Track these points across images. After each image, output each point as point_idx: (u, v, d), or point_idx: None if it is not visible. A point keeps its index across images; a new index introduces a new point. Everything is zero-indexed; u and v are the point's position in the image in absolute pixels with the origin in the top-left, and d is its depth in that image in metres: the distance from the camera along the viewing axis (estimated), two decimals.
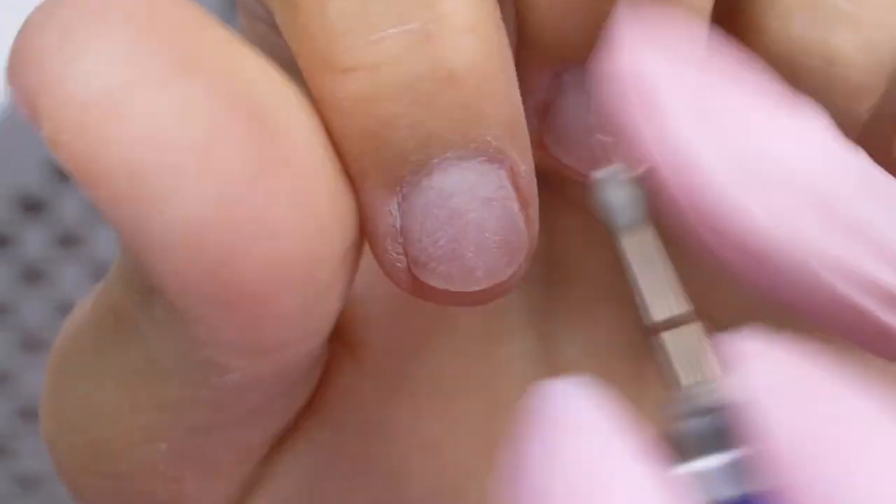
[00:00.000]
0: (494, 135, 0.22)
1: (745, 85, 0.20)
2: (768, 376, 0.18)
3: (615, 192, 0.21)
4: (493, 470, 0.24)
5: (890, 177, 0.20)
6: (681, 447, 0.19)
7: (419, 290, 0.22)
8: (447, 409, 0.28)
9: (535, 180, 0.23)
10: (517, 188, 0.22)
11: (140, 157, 0.19)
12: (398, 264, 0.22)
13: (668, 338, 0.19)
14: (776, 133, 0.20)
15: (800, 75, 0.23)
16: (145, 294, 0.23)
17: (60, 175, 0.59)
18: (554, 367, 0.29)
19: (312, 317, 0.22)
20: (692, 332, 0.19)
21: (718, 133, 0.20)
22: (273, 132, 0.20)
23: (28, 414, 0.62)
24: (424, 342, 0.28)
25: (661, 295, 0.19)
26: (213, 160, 0.20)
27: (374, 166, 0.22)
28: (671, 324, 0.19)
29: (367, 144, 0.21)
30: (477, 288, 0.22)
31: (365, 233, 0.22)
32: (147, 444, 0.24)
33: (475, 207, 0.22)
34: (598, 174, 0.21)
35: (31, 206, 0.60)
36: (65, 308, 0.61)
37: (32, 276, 0.61)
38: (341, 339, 0.28)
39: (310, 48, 0.21)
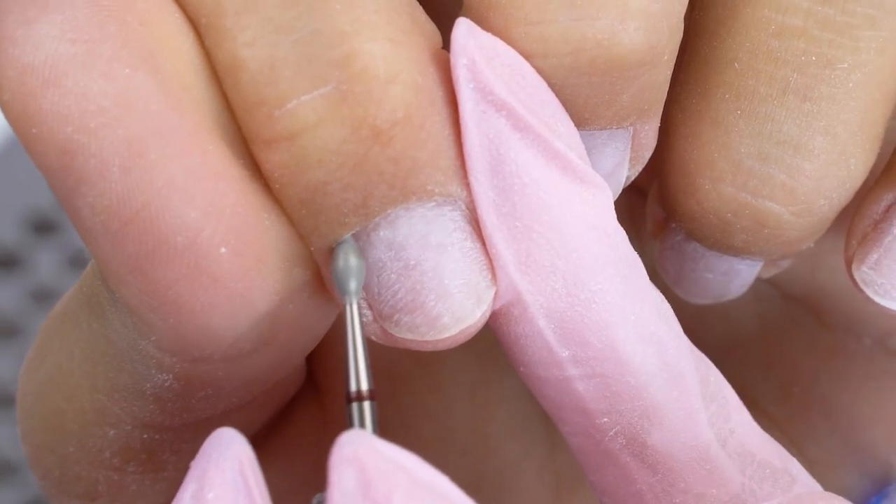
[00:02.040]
0: (436, 181, 0.21)
1: (541, 142, 0.22)
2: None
3: (351, 262, 0.21)
4: None
5: (641, 265, 0.23)
6: None
7: (391, 340, 0.22)
8: (426, 453, 0.30)
9: None
10: (476, 226, 0.22)
11: (70, 137, 0.20)
12: (364, 318, 0.22)
13: (354, 408, 0.21)
14: (560, 198, 0.22)
15: (732, 231, 0.24)
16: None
17: None
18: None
19: (245, 343, 0.23)
20: (369, 408, 0.21)
21: (505, 181, 0.22)
22: (214, 145, 0.22)
23: None
24: (401, 389, 0.30)
25: (359, 368, 0.22)
26: (145, 159, 0.20)
27: (313, 231, 0.21)
28: (358, 397, 0.22)
29: (303, 211, 0.21)
30: (447, 335, 0.22)
31: (329, 289, 0.23)
32: (96, 428, 0.26)
33: (429, 256, 0.21)
34: (337, 244, 0.21)
35: (42, 228, 0.61)
36: None
37: (42, 297, 0.60)
38: (310, 381, 0.30)
39: (239, 121, 0.21)
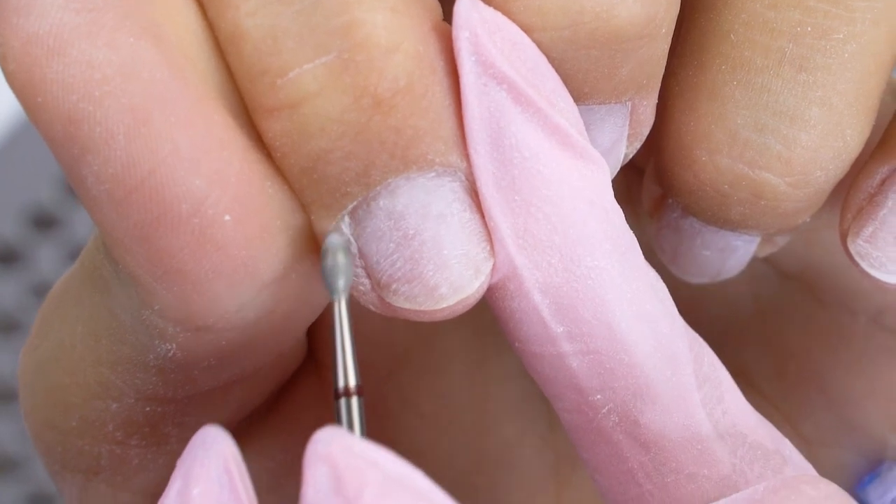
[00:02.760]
0: (437, 151, 0.21)
1: (541, 116, 0.22)
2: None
3: (339, 260, 0.21)
4: (478, 493, 0.30)
5: (636, 243, 0.23)
6: None
7: (389, 309, 0.22)
8: (426, 430, 0.30)
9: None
10: (476, 197, 0.22)
11: (76, 105, 0.20)
12: (361, 287, 0.22)
13: (342, 404, 0.21)
14: (559, 172, 0.23)
15: (728, 203, 0.24)
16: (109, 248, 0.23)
17: (73, 191, 0.61)
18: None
19: (248, 312, 0.23)
20: (356, 403, 0.21)
21: (504, 154, 0.22)
22: (218, 114, 0.22)
23: None
24: (400, 367, 0.30)
25: (346, 365, 0.22)
26: (150, 127, 0.20)
27: (315, 201, 0.21)
28: (346, 393, 0.22)
29: (304, 180, 0.21)
30: (444, 305, 0.22)
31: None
32: (99, 401, 0.26)
33: (429, 226, 0.21)
34: (326, 241, 0.21)
35: (43, 223, 0.61)
36: None
37: (43, 292, 0.60)
38: (311, 356, 0.30)
39: (241, 90, 0.21)
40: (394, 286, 0.22)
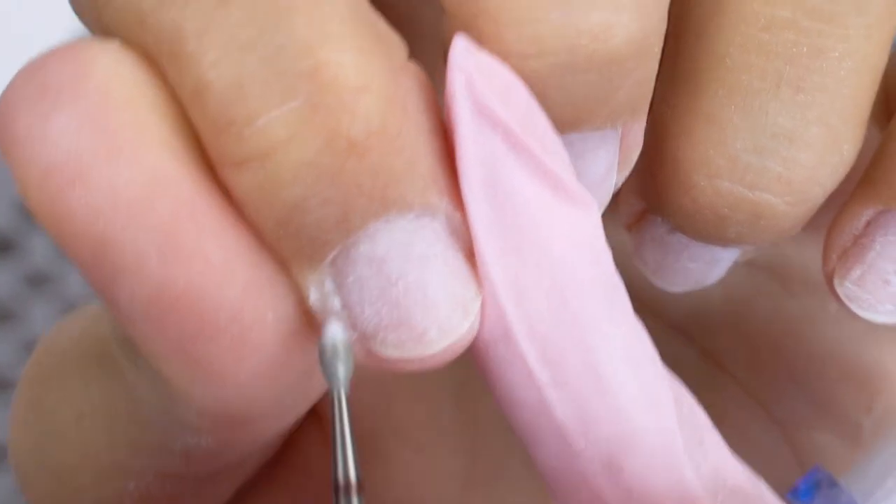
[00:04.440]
0: (415, 191, 0.21)
1: (534, 161, 0.22)
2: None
3: (337, 348, 0.21)
4: None
5: (623, 287, 0.23)
6: None
7: (377, 361, 0.21)
8: (419, 460, 0.30)
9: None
10: (458, 237, 0.21)
11: (104, 231, 0.20)
12: (347, 338, 0.21)
13: (342, 500, 0.21)
14: (551, 218, 0.22)
15: (726, 224, 0.24)
16: (129, 343, 0.23)
17: None
18: None
19: (288, 400, 0.23)
20: (356, 502, 0.21)
21: (497, 200, 0.22)
22: (241, 218, 0.22)
23: None
24: (392, 398, 0.30)
25: (347, 458, 0.21)
26: (181, 244, 0.20)
27: (294, 254, 0.21)
28: (346, 489, 0.21)
29: (281, 232, 0.21)
30: (435, 349, 0.21)
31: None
32: (116, 482, 0.25)
33: (412, 268, 0.21)
34: (326, 337, 0.21)
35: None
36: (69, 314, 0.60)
37: (36, 281, 0.60)
38: (313, 410, 0.29)
39: (207, 147, 0.21)
40: (380, 335, 0.21)
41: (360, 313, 0.21)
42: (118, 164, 0.20)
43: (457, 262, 0.21)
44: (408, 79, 0.21)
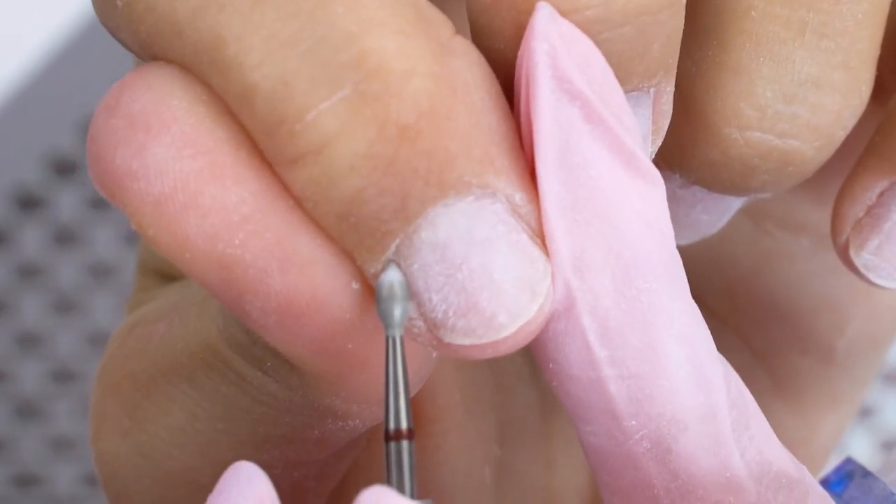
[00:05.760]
0: (472, 172, 0.21)
1: (610, 135, 0.22)
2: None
3: (395, 293, 0.21)
4: (503, 494, 0.30)
5: (682, 265, 0.23)
6: None
7: (448, 350, 0.21)
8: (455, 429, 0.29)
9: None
10: (520, 217, 0.21)
11: (224, 253, 0.20)
12: (416, 329, 0.21)
13: (392, 447, 0.21)
14: (623, 193, 0.22)
15: (754, 174, 0.24)
16: (248, 348, 0.23)
17: (58, 171, 0.60)
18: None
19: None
20: (406, 448, 0.21)
21: (570, 173, 0.22)
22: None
23: (26, 413, 0.59)
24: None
25: (399, 406, 0.22)
26: (299, 255, 0.20)
27: (357, 246, 0.21)
28: (397, 435, 0.22)
29: (343, 225, 0.21)
30: (506, 334, 0.21)
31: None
32: None
33: (475, 252, 0.21)
34: (383, 279, 0.21)
35: (29, 203, 0.60)
36: (62, 306, 0.60)
37: (28, 273, 0.60)
38: None
39: (259, 142, 0.21)
40: (450, 323, 0.21)
41: (428, 301, 0.21)
42: (224, 184, 0.20)
43: (521, 242, 0.21)
44: (455, 57, 0.21)
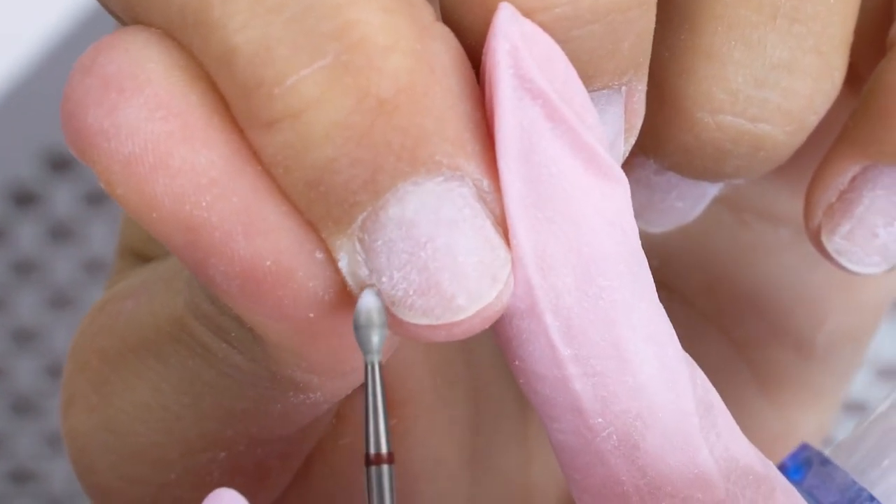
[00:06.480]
0: (444, 152, 0.21)
1: (572, 133, 0.22)
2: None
3: (372, 317, 0.21)
4: (477, 481, 0.30)
5: (646, 263, 0.23)
6: None
7: (404, 329, 0.21)
8: (426, 414, 0.30)
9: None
10: (485, 203, 0.21)
11: (191, 214, 0.20)
12: (375, 305, 0.21)
13: (372, 472, 0.21)
14: (584, 191, 0.22)
15: (726, 159, 0.25)
16: (214, 318, 0.23)
17: (54, 166, 0.60)
18: None
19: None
20: (386, 472, 0.21)
21: (532, 171, 0.22)
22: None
23: (22, 409, 0.59)
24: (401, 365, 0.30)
25: (379, 430, 0.21)
26: (265, 221, 0.20)
27: (323, 216, 0.21)
28: (379, 460, 0.22)
29: (311, 193, 0.21)
30: (463, 316, 0.21)
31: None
32: (206, 453, 0.26)
33: (441, 232, 0.21)
34: (360, 306, 0.21)
35: (24, 199, 0.60)
36: (57, 302, 0.60)
37: (25, 269, 0.60)
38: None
39: (234, 106, 0.21)
40: (409, 301, 0.21)
41: (388, 278, 0.21)
42: (194, 146, 0.20)
43: (485, 229, 0.21)
44: (435, 41, 0.21)
